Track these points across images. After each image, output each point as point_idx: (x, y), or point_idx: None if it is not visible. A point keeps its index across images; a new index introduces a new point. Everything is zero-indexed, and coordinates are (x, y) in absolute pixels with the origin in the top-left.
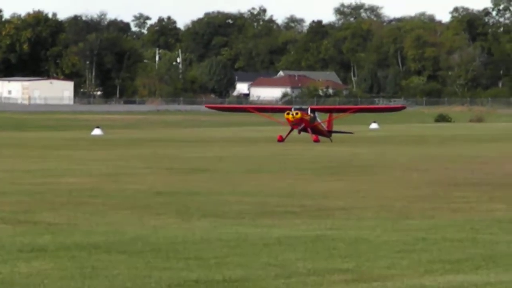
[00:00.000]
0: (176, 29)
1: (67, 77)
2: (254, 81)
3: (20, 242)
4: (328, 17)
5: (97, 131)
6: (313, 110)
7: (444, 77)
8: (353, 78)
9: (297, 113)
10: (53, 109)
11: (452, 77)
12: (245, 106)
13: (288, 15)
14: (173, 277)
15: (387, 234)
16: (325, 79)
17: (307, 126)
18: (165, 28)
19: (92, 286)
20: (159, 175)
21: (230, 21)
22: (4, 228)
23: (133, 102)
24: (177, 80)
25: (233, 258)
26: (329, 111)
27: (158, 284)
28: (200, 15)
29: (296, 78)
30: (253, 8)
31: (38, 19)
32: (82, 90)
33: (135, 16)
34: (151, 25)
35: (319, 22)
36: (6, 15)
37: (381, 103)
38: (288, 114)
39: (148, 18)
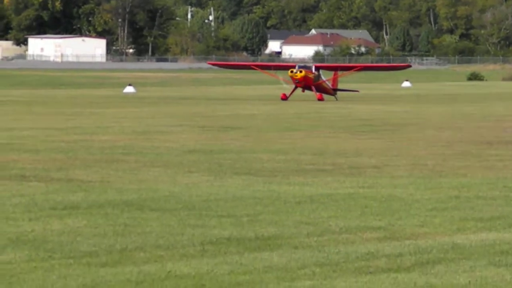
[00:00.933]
0: None
1: (99, 35)
2: (286, 39)
3: (53, 200)
4: None
5: (129, 89)
6: (317, 68)
7: (477, 36)
8: (385, 37)
9: (300, 71)
10: (85, 67)
11: (485, 35)
12: (248, 63)
13: None
14: (206, 235)
15: (420, 192)
16: (357, 37)
17: (311, 84)
18: None
19: (125, 244)
20: (192, 133)
21: None
22: (37, 185)
23: (166, 60)
24: (209, 38)
25: (265, 216)
26: (334, 69)
27: (191, 241)
28: None
29: (328, 36)
30: None
31: None
32: (114, 47)
33: None
34: None
35: None
36: None
37: (413, 61)
38: (291, 72)
39: None
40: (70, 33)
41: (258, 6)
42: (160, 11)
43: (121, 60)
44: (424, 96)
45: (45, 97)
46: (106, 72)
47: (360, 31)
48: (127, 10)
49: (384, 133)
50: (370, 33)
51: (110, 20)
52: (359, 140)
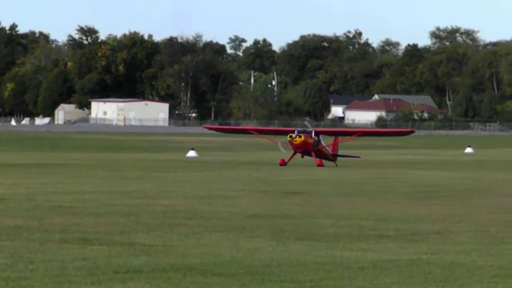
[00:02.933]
0: (272, 51)
1: (162, 99)
2: (349, 104)
3: (116, 263)
4: (423, 40)
5: (192, 153)
6: (317, 133)
7: None
8: (448, 102)
9: (300, 136)
10: (148, 131)
11: None
12: (246, 127)
13: (383, 39)
14: None
15: (482, 259)
16: (420, 103)
17: (311, 149)
18: (261, 50)
19: None
20: (254, 198)
21: (325, 44)
22: (99, 249)
23: (228, 125)
24: (272, 103)
25: (328, 282)
26: (334, 134)
27: None
28: (296, 37)
29: (391, 101)
30: (349, 31)
31: (134, 41)
32: (177, 112)
33: (230, 39)
34: (247, 48)
35: (415, 45)
36: (102, 36)
37: (476, 127)
38: (290, 137)
39: (243, 40)
40: (133, 97)
41: (321, 71)
42: (223, 75)
43: (184, 124)
44: (486, 162)
45: (107, 160)
46: (169, 136)
47: (423, 96)
48: (190, 74)
49: (447, 199)
50: (433, 99)
51: (173, 84)
52: (422, 206)
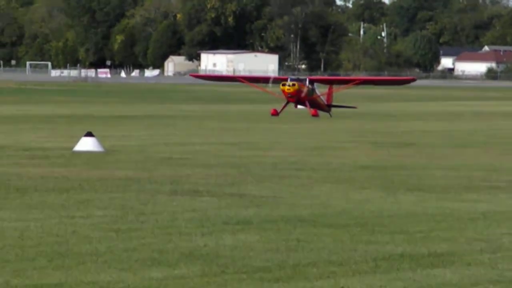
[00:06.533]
0: (381, 3)
1: (271, 50)
2: (459, 56)
3: (226, 215)
4: None
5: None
6: (311, 82)
7: None
8: None
9: (293, 85)
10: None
11: None
12: (235, 76)
13: None
14: (379, 251)
15: None
16: None
17: (305, 98)
18: (370, 2)
19: (297, 259)
20: (365, 149)
21: None
22: (210, 200)
23: (338, 76)
24: (381, 54)
25: (438, 233)
26: (330, 82)
27: (363, 257)
28: None
29: (502, 53)
30: None
31: None
32: (286, 63)
33: None
34: None
35: None
36: None
37: None
38: (283, 85)
39: None
40: (242, 49)
41: (431, 23)
42: (332, 27)
43: (293, 76)
44: None
45: (217, 112)
46: (279, 87)
47: None
48: (300, 26)
49: None
50: None
51: (282, 35)
52: None
